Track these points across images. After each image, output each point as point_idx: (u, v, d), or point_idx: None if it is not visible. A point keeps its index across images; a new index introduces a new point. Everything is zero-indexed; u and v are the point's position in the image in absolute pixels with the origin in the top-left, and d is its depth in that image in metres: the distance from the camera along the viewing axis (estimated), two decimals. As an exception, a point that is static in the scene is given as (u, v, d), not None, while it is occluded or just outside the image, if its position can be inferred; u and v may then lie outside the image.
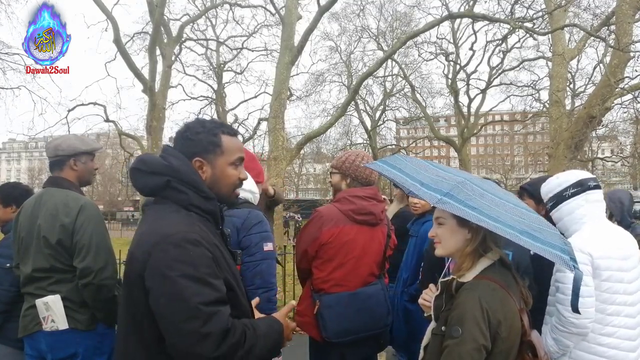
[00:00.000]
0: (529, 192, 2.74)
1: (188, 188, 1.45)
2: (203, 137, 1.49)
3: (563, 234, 2.15)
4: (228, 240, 1.61)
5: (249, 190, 2.27)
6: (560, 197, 2.17)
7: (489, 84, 20.89)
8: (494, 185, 1.75)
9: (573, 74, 17.51)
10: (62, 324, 2.23)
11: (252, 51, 18.30)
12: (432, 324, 1.65)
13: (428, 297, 1.77)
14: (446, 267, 1.80)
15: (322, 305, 2.45)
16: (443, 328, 1.51)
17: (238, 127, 17.89)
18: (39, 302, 2.24)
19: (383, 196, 3.83)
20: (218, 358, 1.27)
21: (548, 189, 2.25)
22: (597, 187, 2.15)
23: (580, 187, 2.12)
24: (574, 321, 1.94)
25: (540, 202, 2.44)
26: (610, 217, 3.04)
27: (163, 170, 1.46)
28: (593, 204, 2.12)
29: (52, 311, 2.23)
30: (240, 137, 1.67)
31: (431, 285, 1.81)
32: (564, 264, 1.36)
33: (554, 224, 2.48)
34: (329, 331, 2.43)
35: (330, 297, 2.46)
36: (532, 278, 2.31)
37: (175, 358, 1.31)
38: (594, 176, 2.21)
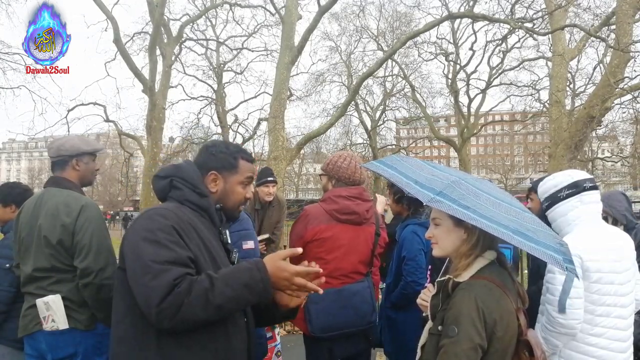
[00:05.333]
0: (535, 189, 2.75)
1: (185, 185, 1.62)
2: (224, 156, 1.69)
3: (558, 235, 2.15)
4: (224, 238, 1.69)
5: None
6: (555, 198, 2.16)
7: (489, 84, 20.91)
8: (490, 184, 1.75)
9: (573, 74, 17.50)
10: (62, 323, 2.24)
11: (252, 51, 18.31)
12: (429, 324, 1.65)
13: (426, 297, 1.78)
14: (444, 267, 1.80)
15: (309, 300, 2.49)
16: (440, 327, 1.52)
17: (238, 127, 17.88)
18: (39, 301, 2.24)
19: (385, 197, 3.83)
20: (164, 310, 1.33)
21: (544, 189, 2.24)
22: (593, 188, 2.13)
23: (576, 188, 2.11)
24: (561, 321, 1.94)
25: None
26: (615, 222, 3.03)
27: (169, 172, 1.67)
28: (588, 205, 2.10)
29: (53, 311, 2.23)
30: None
31: (429, 285, 1.81)
32: (556, 264, 1.37)
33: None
34: (314, 326, 2.50)
35: (317, 293, 2.49)
36: None
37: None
38: (591, 177, 2.19)
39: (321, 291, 1.55)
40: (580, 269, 1.96)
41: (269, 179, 4.58)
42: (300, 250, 1.57)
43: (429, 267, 2.71)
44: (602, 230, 2.13)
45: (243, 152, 1.75)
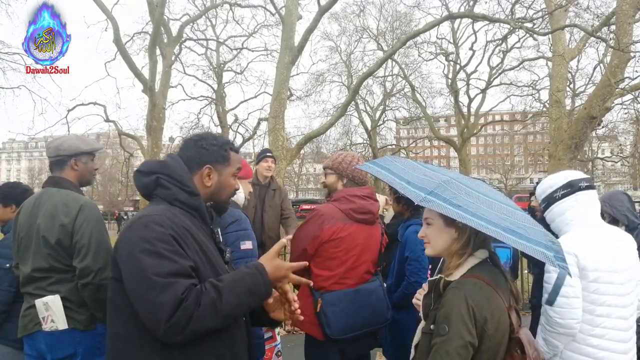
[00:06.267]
0: None
1: (173, 184, 1.56)
2: (216, 149, 1.66)
3: (556, 235, 2.13)
4: (217, 237, 1.67)
5: None
6: (551, 199, 2.16)
7: (489, 84, 20.92)
8: (483, 184, 1.76)
9: (573, 74, 17.51)
10: (61, 324, 2.23)
11: (252, 51, 18.37)
12: (422, 323, 1.66)
13: (421, 296, 1.78)
14: (438, 266, 1.81)
15: (324, 303, 2.47)
16: (432, 326, 1.53)
17: (238, 127, 17.88)
18: (38, 302, 2.24)
19: (385, 197, 3.83)
20: (173, 325, 1.31)
21: (541, 190, 2.24)
22: (589, 187, 2.12)
23: (571, 188, 2.11)
24: (559, 321, 1.94)
25: None
26: (616, 222, 3.01)
27: (155, 168, 1.60)
28: (584, 205, 2.10)
29: (52, 311, 2.23)
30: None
31: (424, 285, 1.82)
32: (547, 260, 1.37)
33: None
34: (332, 328, 2.44)
35: (333, 295, 2.49)
36: None
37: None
38: (587, 177, 2.18)
39: (311, 283, 1.69)
40: (576, 268, 1.96)
41: (268, 154, 4.66)
42: (285, 241, 1.64)
43: (430, 266, 2.71)
44: (600, 229, 2.12)
45: (231, 143, 1.74)
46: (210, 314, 1.35)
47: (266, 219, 4.56)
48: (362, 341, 2.60)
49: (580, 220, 2.09)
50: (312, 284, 1.67)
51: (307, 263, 1.61)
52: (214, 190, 1.65)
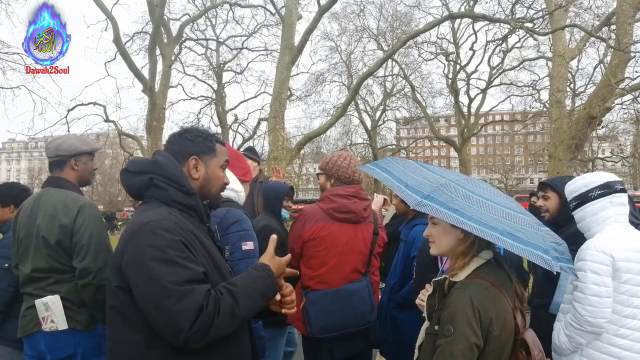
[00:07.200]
0: (552, 186, 2.74)
1: (169, 184, 1.52)
2: (201, 140, 1.64)
3: (584, 234, 2.18)
4: (215, 236, 1.66)
5: (232, 188, 2.22)
6: (585, 198, 2.18)
7: (489, 84, 20.94)
8: (483, 185, 1.76)
9: (573, 74, 17.51)
10: (61, 324, 2.23)
11: (252, 51, 18.40)
12: (426, 324, 1.66)
13: (424, 296, 1.78)
14: (442, 266, 1.81)
15: (307, 301, 2.52)
16: (436, 327, 1.53)
17: (238, 127, 17.89)
18: (38, 302, 2.24)
19: (384, 197, 3.81)
20: (195, 333, 1.30)
21: (573, 188, 2.26)
22: (622, 190, 2.16)
23: (607, 189, 2.13)
24: (590, 320, 1.97)
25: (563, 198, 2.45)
26: None
27: (147, 167, 1.55)
28: (618, 207, 2.13)
29: (52, 311, 2.22)
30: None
31: (427, 285, 1.81)
32: (545, 264, 1.38)
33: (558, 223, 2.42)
34: (313, 327, 2.49)
35: (315, 294, 2.53)
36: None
37: (161, 336, 1.35)
38: (621, 179, 2.22)
39: (297, 273, 1.71)
40: (611, 268, 2.00)
41: (245, 153, 4.47)
42: (275, 237, 1.64)
43: (414, 265, 2.70)
44: (630, 231, 2.16)
45: (216, 136, 1.72)
46: (229, 320, 1.36)
47: (258, 208, 4.54)
48: (351, 341, 2.60)
49: (613, 221, 2.12)
50: (297, 273, 1.71)
51: (290, 255, 1.65)
52: (203, 183, 1.61)
